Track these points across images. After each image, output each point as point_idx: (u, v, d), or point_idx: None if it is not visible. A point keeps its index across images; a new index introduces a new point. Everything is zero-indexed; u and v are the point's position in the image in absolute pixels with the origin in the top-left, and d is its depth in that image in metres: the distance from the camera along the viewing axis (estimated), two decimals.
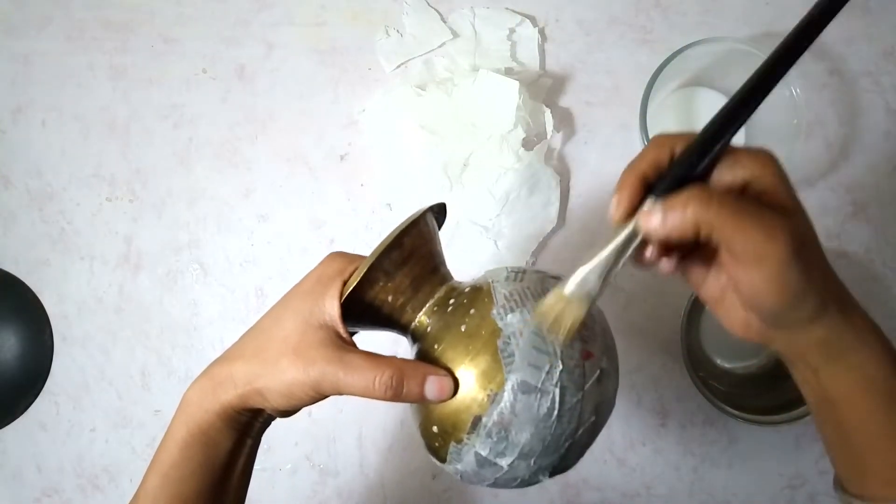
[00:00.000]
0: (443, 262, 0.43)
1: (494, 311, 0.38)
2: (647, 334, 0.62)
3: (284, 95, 0.66)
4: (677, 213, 0.32)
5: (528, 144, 0.62)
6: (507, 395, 0.36)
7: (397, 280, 0.40)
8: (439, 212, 0.45)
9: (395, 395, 0.38)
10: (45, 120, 0.67)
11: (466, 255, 0.63)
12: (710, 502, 0.61)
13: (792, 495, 0.61)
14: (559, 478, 0.61)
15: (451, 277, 0.44)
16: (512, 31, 0.64)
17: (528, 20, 0.64)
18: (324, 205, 0.65)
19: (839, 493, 0.38)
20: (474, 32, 0.64)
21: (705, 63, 0.60)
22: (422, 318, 0.41)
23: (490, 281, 0.41)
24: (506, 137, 0.60)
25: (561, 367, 0.37)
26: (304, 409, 0.59)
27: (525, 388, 0.36)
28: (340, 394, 0.38)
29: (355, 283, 0.39)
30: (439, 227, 0.45)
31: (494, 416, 0.37)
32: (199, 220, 0.66)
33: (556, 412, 0.36)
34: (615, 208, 0.34)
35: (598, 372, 0.38)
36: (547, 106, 0.62)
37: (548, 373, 0.36)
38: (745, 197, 0.33)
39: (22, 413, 0.65)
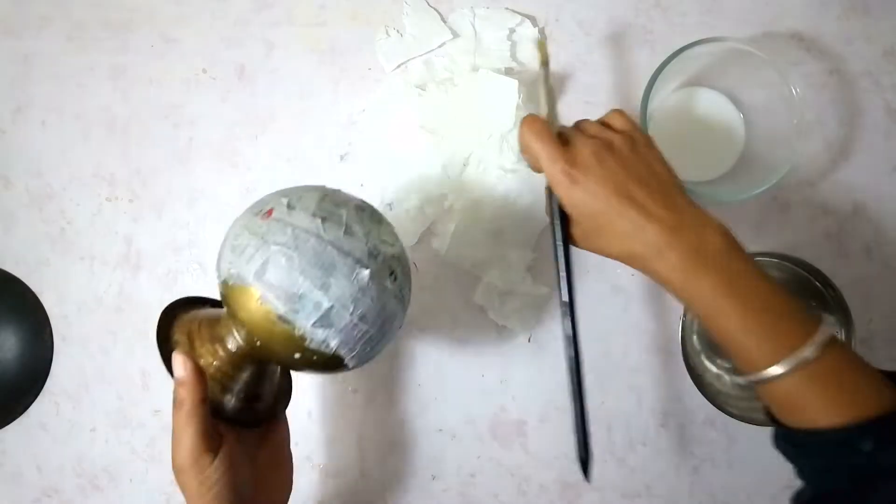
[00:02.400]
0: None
1: (222, 275, 0.45)
2: (647, 334, 0.62)
3: (284, 95, 0.66)
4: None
5: None
6: (262, 289, 0.42)
7: (202, 350, 0.47)
8: (186, 303, 0.52)
9: (179, 407, 0.43)
10: (45, 120, 0.67)
11: (465, 254, 0.63)
12: (710, 502, 0.61)
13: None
14: (559, 479, 0.62)
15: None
16: (512, 31, 0.64)
17: (528, 20, 0.64)
18: None
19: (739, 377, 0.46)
20: (474, 32, 0.64)
21: (705, 63, 0.60)
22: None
23: None
24: (506, 137, 0.60)
25: (257, 237, 0.43)
26: (304, 410, 0.59)
27: (260, 272, 0.42)
28: (193, 453, 0.43)
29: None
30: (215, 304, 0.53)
31: (277, 303, 0.42)
32: (199, 220, 0.66)
33: (290, 251, 0.42)
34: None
35: (285, 207, 0.45)
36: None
37: (257, 249, 0.43)
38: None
39: (22, 413, 0.65)
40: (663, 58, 0.56)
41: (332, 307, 0.42)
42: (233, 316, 0.44)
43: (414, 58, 0.65)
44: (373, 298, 0.43)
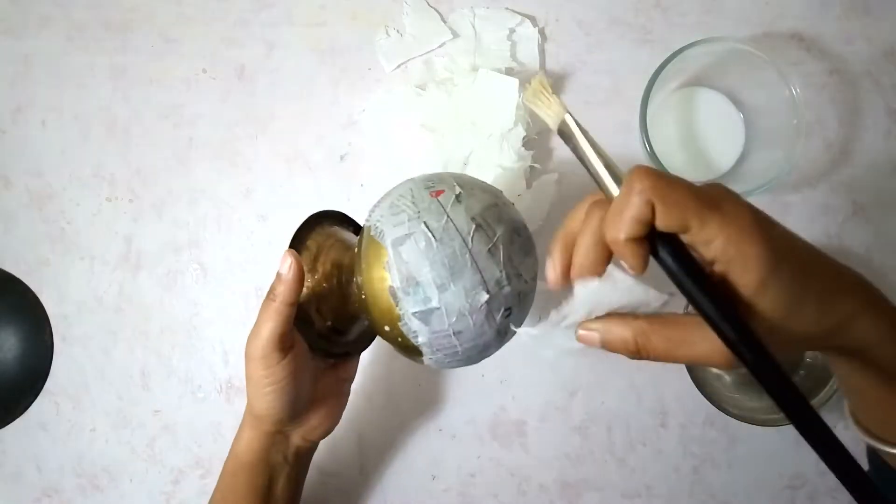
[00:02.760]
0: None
1: (368, 216, 0.46)
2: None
3: (284, 95, 0.66)
4: (611, 345, 0.36)
5: (528, 143, 0.62)
6: (391, 257, 0.42)
7: (328, 255, 0.49)
8: (338, 218, 0.54)
9: (271, 308, 0.44)
10: (45, 120, 0.67)
11: None
12: (710, 502, 0.61)
13: (792, 495, 0.61)
14: (559, 479, 0.62)
15: None
16: (512, 31, 0.64)
17: (528, 20, 0.64)
18: (324, 205, 0.64)
19: (857, 428, 0.39)
20: (474, 32, 0.64)
21: (705, 63, 0.60)
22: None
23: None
24: (506, 136, 0.60)
25: (416, 208, 0.43)
26: None
27: (398, 242, 0.42)
28: (265, 349, 0.45)
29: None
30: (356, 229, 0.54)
31: (396, 277, 0.42)
32: (199, 220, 0.66)
33: (433, 240, 0.42)
34: (550, 271, 0.35)
35: (454, 197, 0.44)
36: None
37: (409, 220, 0.43)
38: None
39: (22, 413, 0.65)
40: (663, 58, 0.56)
41: (437, 308, 0.42)
42: (360, 259, 0.45)
43: (414, 58, 0.65)
44: (476, 323, 0.43)
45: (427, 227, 0.42)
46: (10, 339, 0.66)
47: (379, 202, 0.47)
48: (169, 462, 0.64)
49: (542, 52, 0.64)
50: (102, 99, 0.67)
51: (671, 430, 0.62)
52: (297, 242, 0.50)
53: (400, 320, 0.43)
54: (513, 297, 0.44)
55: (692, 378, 0.57)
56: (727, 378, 0.62)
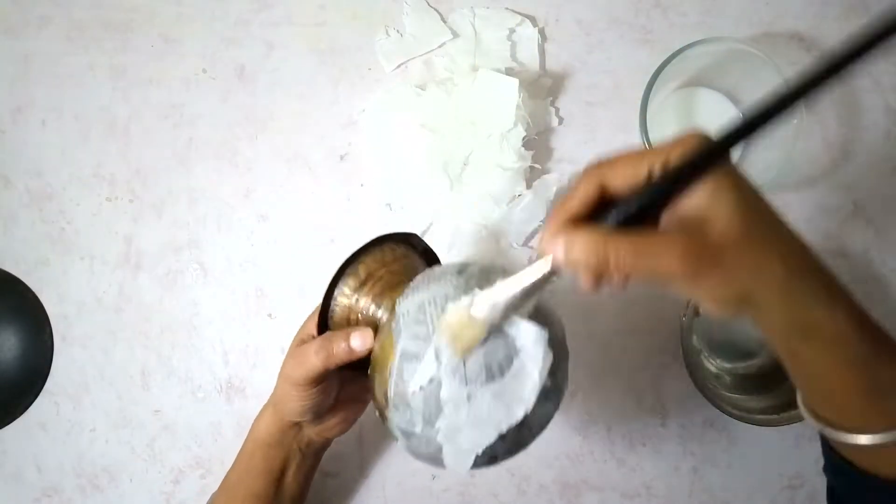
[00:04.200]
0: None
1: (399, 299, 0.42)
2: (647, 334, 0.62)
3: (284, 95, 0.66)
4: (575, 254, 0.32)
5: (528, 143, 0.62)
6: (395, 365, 0.40)
7: (373, 286, 0.47)
8: (411, 241, 0.51)
9: (328, 357, 0.45)
10: (45, 120, 0.67)
11: (466, 254, 0.63)
12: (710, 502, 0.61)
13: (792, 495, 0.61)
14: (559, 479, 0.62)
15: None
16: (512, 31, 0.64)
17: (528, 20, 0.64)
18: (324, 205, 0.65)
19: (813, 418, 0.38)
20: (474, 32, 0.64)
21: (705, 63, 0.60)
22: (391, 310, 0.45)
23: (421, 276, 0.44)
24: (506, 136, 0.60)
25: (436, 331, 0.39)
26: None
27: (407, 356, 0.40)
28: (306, 380, 0.46)
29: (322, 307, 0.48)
30: (427, 257, 0.52)
31: (391, 386, 0.40)
32: (199, 220, 0.66)
33: (437, 373, 0.39)
34: (539, 241, 0.34)
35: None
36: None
37: (426, 338, 0.39)
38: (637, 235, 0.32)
39: (22, 413, 0.65)
40: (663, 58, 0.56)
41: (417, 435, 0.40)
42: (380, 331, 0.43)
43: (414, 58, 0.65)
44: (454, 460, 0.41)
45: (438, 358, 0.39)
46: (10, 339, 0.66)
47: (420, 284, 0.42)
48: (169, 462, 0.64)
49: (542, 52, 0.64)
50: (102, 99, 0.67)
51: (671, 430, 0.62)
52: (351, 263, 0.48)
53: (386, 419, 0.42)
54: (502, 449, 0.40)
55: (692, 378, 0.57)
56: (727, 378, 0.62)
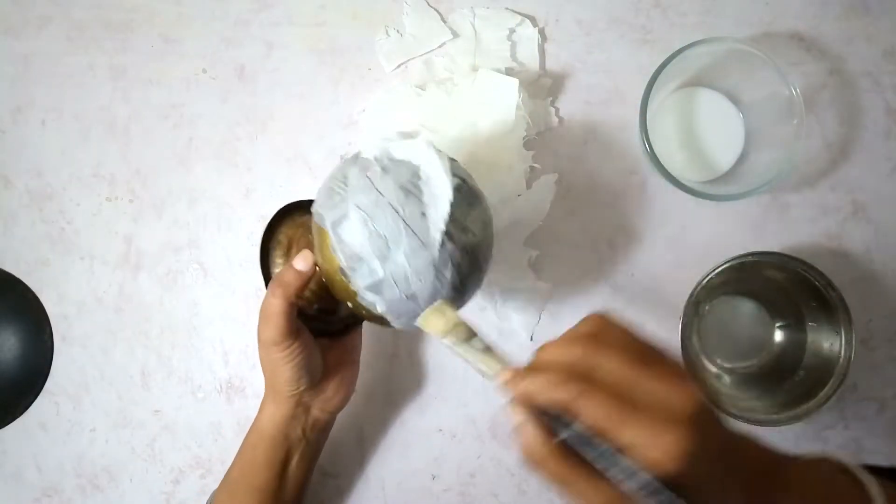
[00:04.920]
0: None
1: (314, 208, 0.48)
2: (647, 334, 0.62)
3: (284, 95, 0.66)
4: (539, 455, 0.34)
5: (528, 143, 0.62)
6: (333, 239, 0.45)
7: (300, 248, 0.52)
8: (307, 207, 0.53)
9: (284, 289, 0.47)
10: (45, 120, 0.67)
11: None
12: None
13: None
14: None
15: None
16: (512, 31, 0.64)
17: (528, 20, 0.64)
18: None
19: None
20: (474, 32, 0.64)
21: (705, 63, 0.60)
22: None
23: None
24: (506, 136, 0.60)
25: (346, 189, 0.45)
26: None
27: (336, 224, 0.45)
28: (280, 332, 0.48)
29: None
30: None
31: (341, 257, 0.45)
32: (199, 220, 0.66)
33: (365, 216, 0.44)
34: (502, 379, 0.36)
35: (380, 170, 0.46)
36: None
37: (342, 201, 0.45)
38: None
39: (22, 413, 0.65)
40: (663, 58, 0.56)
41: (383, 279, 0.44)
42: (314, 246, 0.48)
43: (414, 58, 0.65)
44: (426, 283, 0.45)
45: (359, 204, 0.44)
46: (10, 339, 0.66)
47: (320, 188, 0.49)
48: (169, 462, 0.64)
49: (542, 52, 0.64)
50: (102, 99, 0.67)
51: None
52: (270, 236, 0.54)
53: (357, 295, 0.46)
54: (459, 252, 0.45)
55: (692, 378, 0.57)
56: (727, 378, 0.62)
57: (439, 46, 0.65)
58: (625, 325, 0.37)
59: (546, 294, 0.62)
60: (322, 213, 0.46)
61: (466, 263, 0.46)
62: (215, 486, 0.56)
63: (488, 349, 0.39)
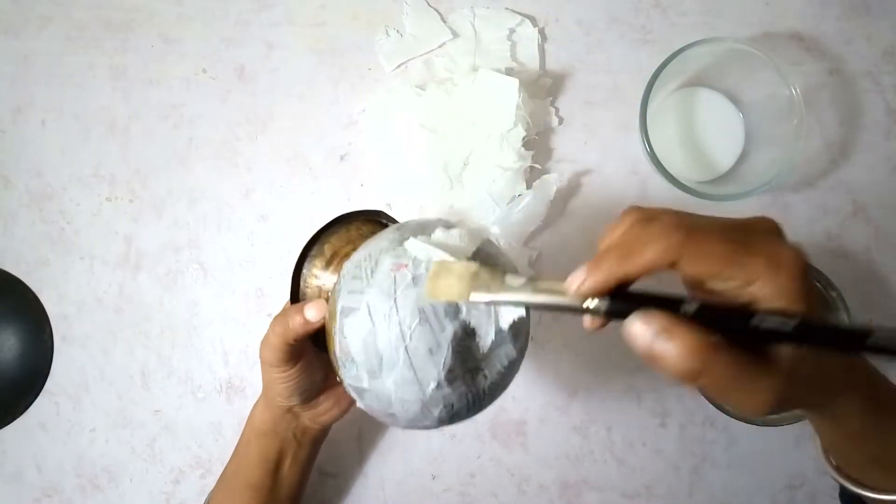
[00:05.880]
0: None
1: (344, 263, 0.43)
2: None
3: (284, 95, 0.66)
4: (668, 351, 0.29)
5: (528, 143, 0.62)
6: (338, 324, 0.41)
7: (331, 279, 0.48)
8: (380, 219, 0.51)
9: (285, 331, 0.46)
10: (45, 120, 0.67)
11: None
12: (710, 502, 0.61)
13: (792, 495, 0.61)
14: (559, 479, 0.62)
15: None
16: (512, 31, 0.64)
17: (528, 20, 0.64)
18: (324, 205, 0.65)
19: (835, 471, 0.39)
20: (474, 32, 0.64)
21: (705, 63, 0.60)
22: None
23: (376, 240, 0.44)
24: (506, 136, 0.60)
25: (369, 280, 0.40)
26: None
27: (345, 312, 0.40)
28: (277, 360, 0.47)
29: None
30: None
31: (337, 345, 0.41)
32: (199, 220, 0.66)
33: (371, 324, 0.39)
34: (576, 283, 0.31)
35: (411, 278, 0.39)
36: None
37: (360, 291, 0.40)
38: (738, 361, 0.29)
39: (22, 413, 0.65)
40: (663, 58, 0.56)
41: (367, 389, 0.41)
42: (330, 301, 0.43)
43: (414, 58, 0.65)
44: (409, 411, 0.40)
45: (369, 308, 0.39)
46: (10, 339, 0.66)
47: (363, 245, 0.44)
48: (169, 462, 0.64)
49: (542, 52, 0.64)
50: (102, 99, 0.67)
51: (671, 430, 0.62)
52: (314, 244, 0.49)
53: (342, 380, 0.42)
54: (457, 395, 0.40)
55: None
56: None
57: (439, 46, 0.65)
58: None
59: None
60: (341, 287, 0.41)
61: (463, 405, 0.41)
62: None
63: (533, 278, 0.33)
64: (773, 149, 0.58)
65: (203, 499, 0.57)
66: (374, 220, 0.51)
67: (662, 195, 0.63)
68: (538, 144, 0.63)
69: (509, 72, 0.62)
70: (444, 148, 0.61)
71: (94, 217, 0.66)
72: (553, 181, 0.62)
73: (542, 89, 0.64)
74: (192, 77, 0.66)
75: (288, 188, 0.65)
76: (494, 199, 0.61)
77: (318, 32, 0.66)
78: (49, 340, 0.66)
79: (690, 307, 0.29)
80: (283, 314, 0.47)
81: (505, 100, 0.60)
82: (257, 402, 0.54)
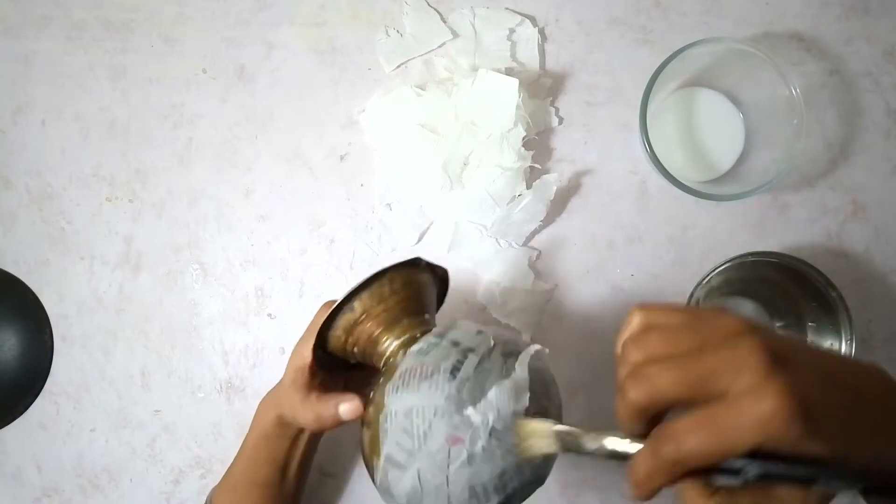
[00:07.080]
0: (428, 311, 0.47)
1: (388, 389, 0.41)
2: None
3: (284, 95, 0.66)
4: None
5: (528, 143, 0.62)
6: (381, 468, 0.40)
7: (369, 323, 0.45)
8: (436, 273, 0.50)
9: (317, 419, 0.47)
10: (45, 120, 0.67)
11: (466, 254, 0.63)
12: None
13: None
14: (559, 478, 0.62)
15: (434, 325, 0.46)
16: (512, 31, 0.64)
17: (528, 20, 0.64)
18: (324, 205, 0.65)
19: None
20: (474, 32, 0.64)
21: (705, 63, 0.60)
22: (387, 356, 0.44)
23: (424, 346, 0.42)
24: (506, 136, 0.60)
25: (421, 441, 0.38)
26: None
27: (392, 463, 0.39)
28: (300, 424, 0.48)
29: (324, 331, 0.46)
30: (441, 294, 0.52)
31: (378, 479, 0.41)
32: (199, 220, 0.66)
33: (420, 492, 0.38)
34: (626, 424, 0.31)
35: (466, 456, 0.38)
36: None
37: (411, 451, 0.38)
38: None
39: (22, 413, 0.65)
40: (663, 58, 0.56)
41: None
42: (368, 415, 0.42)
43: (414, 58, 0.65)
44: None
45: (419, 475, 0.38)
46: (10, 339, 0.66)
47: (411, 375, 0.40)
48: (169, 462, 0.64)
49: (542, 52, 0.64)
50: (102, 99, 0.67)
51: None
52: (347, 302, 0.45)
53: (373, 481, 0.42)
54: None
55: None
56: None
57: (439, 46, 0.65)
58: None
59: (546, 294, 0.62)
60: (388, 429, 0.39)
61: None
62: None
63: (603, 431, 0.33)
64: (773, 149, 0.58)
65: (203, 499, 0.57)
66: (407, 267, 0.48)
67: (662, 195, 0.63)
68: (538, 144, 0.63)
69: (509, 72, 0.62)
70: (444, 148, 0.61)
71: (94, 217, 0.66)
72: (553, 181, 0.62)
73: (542, 89, 0.64)
74: (192, 77, 0.66)
75: (288, 188, 0.65)
76: (494, 199, 0.61)
77: (318, 32, 0.66)
78: (49, 340, 0.66)
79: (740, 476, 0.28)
80: (317, 402, 0.47)
81: (505, 100, 0.60)
82: (266, 405, 0.53)
